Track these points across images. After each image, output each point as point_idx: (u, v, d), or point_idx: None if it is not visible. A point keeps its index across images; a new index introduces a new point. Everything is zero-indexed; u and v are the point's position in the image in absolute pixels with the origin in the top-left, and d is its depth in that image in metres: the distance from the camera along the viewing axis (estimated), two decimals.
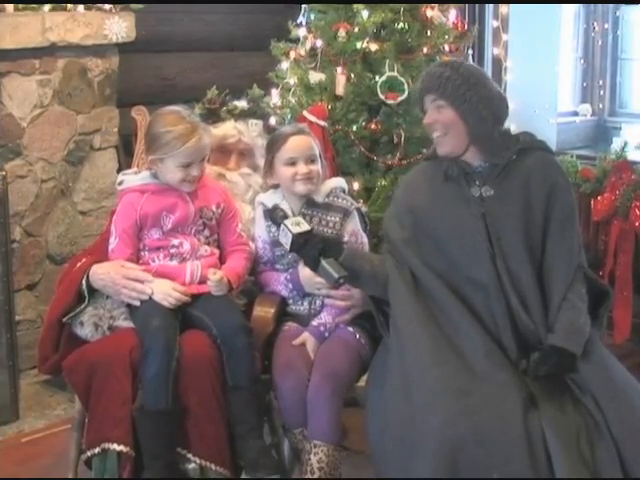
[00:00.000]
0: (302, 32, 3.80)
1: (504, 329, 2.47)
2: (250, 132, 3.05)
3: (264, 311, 2.77)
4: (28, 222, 3.81)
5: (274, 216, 2.79)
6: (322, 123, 3.38)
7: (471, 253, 2.54)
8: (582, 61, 4.96)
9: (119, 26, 3.85)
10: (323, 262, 2.55)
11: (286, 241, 2.61)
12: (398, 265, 2.61)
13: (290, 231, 2.58)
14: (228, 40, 4.61)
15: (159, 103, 4.10)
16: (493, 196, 2.58)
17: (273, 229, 2.82)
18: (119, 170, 3.93)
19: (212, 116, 3.05)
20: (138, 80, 4.26)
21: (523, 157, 2.61)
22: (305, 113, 3.41)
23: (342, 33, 3.64)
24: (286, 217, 2.73)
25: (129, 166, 3.36)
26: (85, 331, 2.63)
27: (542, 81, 4.73)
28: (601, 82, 4.94)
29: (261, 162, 2.98)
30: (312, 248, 2.58)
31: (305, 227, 2.62)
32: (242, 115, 3.08)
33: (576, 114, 4.97)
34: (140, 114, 3.27)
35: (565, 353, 2.42)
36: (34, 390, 3.78)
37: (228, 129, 3.03)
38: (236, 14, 4.60)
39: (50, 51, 3.74)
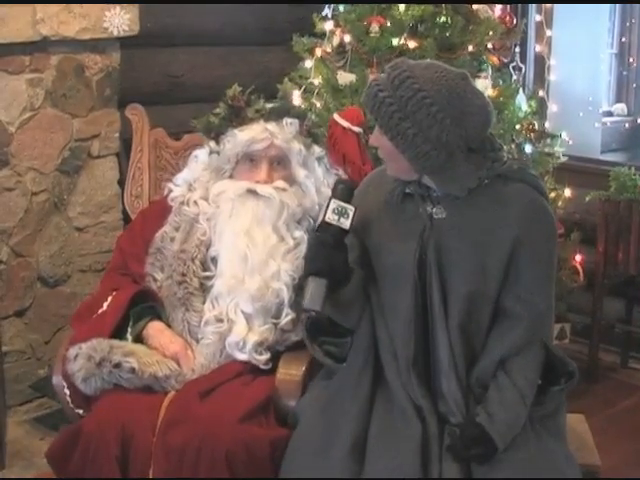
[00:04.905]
0: (328, 26, 3.48)
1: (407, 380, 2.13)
2: (285, 134, 2.57)
3: (289, 374, 2.37)
4: (16, 241, 3.48)
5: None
6: (357, 129, 2.91)
7: (393, 277, 2.18)
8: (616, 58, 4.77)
9: (121, 18, 3.52)
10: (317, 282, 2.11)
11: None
12: None
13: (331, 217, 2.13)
14: (242, 33, 4.22)
15: (165, 104, 3.80)
16: (444, 220, 2.16)
17: None
18: (120, 180, 3.63)
19: (236, 117, 2.61)
20: (142, 78, 3.92)
21: (501, 186, 2.15)
22: (336, 117, 2.97)
23: (375, 28, 3.32)
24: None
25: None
26: (77, 364, 2.35)
27: (586, 81, 4.55)
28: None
29: (299, 172, 2.58)
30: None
31: (345, 222, 2.13)
32: (274, 113, 2.60)
33: (610, 114, 4.74)
34: (136, 114, 2.91)
35: (490, 444, 2.05)
36: (23, 431, 3.44)
37: (257, 131, 2.55)
38: (251, 4, 4.16)
39: (42, 46, 3.42)
